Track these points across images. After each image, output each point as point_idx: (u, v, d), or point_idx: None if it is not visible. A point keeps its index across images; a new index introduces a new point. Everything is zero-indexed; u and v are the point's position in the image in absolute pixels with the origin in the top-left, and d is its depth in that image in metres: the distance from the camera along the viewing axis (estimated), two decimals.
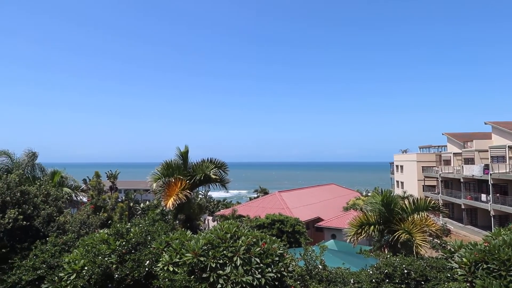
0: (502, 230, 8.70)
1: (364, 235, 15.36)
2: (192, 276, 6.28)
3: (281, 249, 6.98)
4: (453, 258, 8.00)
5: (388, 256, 9.15)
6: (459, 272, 7.13)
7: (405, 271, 7.87)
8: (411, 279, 7.77)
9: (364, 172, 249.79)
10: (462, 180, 40.28)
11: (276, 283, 6.45)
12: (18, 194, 11.30)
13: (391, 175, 65.34)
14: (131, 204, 45.08)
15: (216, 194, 67.48)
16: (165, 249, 7.32)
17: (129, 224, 9.06)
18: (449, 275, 7.58)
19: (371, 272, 8.32)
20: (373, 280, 7.99)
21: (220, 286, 6.00)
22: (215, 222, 38.99)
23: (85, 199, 22.96)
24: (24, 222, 10.75)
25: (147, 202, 50.52)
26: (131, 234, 8.01)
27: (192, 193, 17.92)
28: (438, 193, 46.81)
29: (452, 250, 8.70)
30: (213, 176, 17.29)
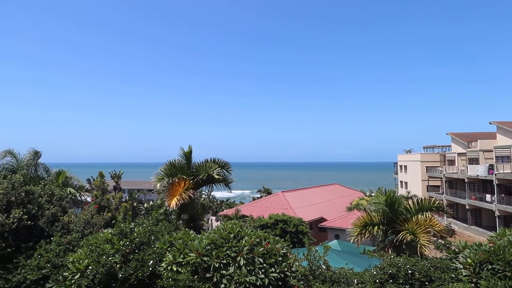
0: (507, 231, 8.64)
1: (368, 235, 15.31)
2: (196, 276, 6.29)
3: (284, 249, 6.98)
4: (457, 259, 7.96)
5: (392, 256, 9.11)
6: (463, 273, 7.09)
7: (409, 271, 7.84)
8: (415, 280, 7.73)
9: (366, 172, 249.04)
10: (466, 180, 40.05)
11: (280, 283, 6.45)
12: (23, 194, 11.38)
13: (394, 175, 65.11)
14: (135, 204, 45.19)
15: (220, 194, 67.53)
16: (168, 249, 7.34)
17: (132, 224, 9.09)
18: (453, 275, 7.54)
19: (374, 272, 8.29)
20: (377, 281, 7.96)
21: (224, 286, 6.01)
22: (219, 222, 39.04)
23: (89, 199, 23.06)
24: (29, 222, 10.82)
25: (151, 202, 50.62)
26: (135, 234, 8.04)
27: (195, 193, 17.95)
28: (442, 193, 46.57)
29: (457, 250, 8.66)
30: (217, 176, 17.31)
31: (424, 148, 59.09)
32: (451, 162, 47.26)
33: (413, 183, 53.92)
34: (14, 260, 9.75)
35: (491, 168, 36.14)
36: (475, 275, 6.83)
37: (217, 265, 6.21)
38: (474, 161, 41.55)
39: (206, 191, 60.01)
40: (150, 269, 7.17)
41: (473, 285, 6.76)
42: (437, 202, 15.80)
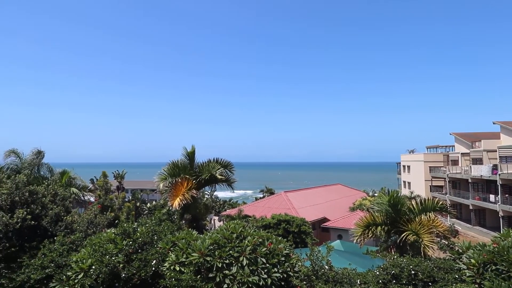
0: (511, 231, 8.60)
1: (371, 235, 15.27)
2: (199, 276, 6.30)
3: (287, 249, 6.98)
4: (461, 259, 7.93)
5: (395, 257, 9.09)
6: (467, 273, 7.06)
7: (412, 272, 7.81)
8: (419, 280, 7.71)
9: (369, 172, 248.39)
10: (470, 181, 39.87)
11: (282, 283, 6.45)
12: (27, 194, 11.44)
13: (397, 175, 64.91)
14: (138, 204, 45.36)
15: (222, 194, 67.61)
16: (171, 248, 7.36)
17: (136, 223, 9.12)
18: (457, 276, 7.51)
19: (377, 273, 8.27)
20: (380, 281, 7.94)
21: (226, 286, 6.02)
22: (221, 222, 39.07)
23: (92, 199, 23.15)
24: (33, 222, 10.88)
25: (154, 202, 50.79)
26: (138, 234, 8.06)
27: (198, 193, 17.98)
28: (446, 193, 46.38)
29: (460, 251, 8.62)
30: (219, 176, 17.33)
31: (427, 148, 58.87)
32: (455, 162, 47.05)
33: (416, 183, 53.73)
34: (18, 260, 9.82)
35: (495, 168, 35.94)
36: (478, 276, 6.80)
37: (219, 265, 6.22)
38: (477, 161, 41.35)
39: (209, 191, 60.21)
40: (153, 269, 7.18)
41: (476, 285, 6.73)
42: (440, 202, 15.74)
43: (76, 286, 6.75)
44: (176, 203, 15.96)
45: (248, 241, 6.67)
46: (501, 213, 34.54)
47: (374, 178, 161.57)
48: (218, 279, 6.10)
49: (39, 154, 18.67)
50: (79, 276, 6.84)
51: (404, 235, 14.03)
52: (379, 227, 15.03)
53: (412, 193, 47.18)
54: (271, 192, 64.38)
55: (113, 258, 7.21)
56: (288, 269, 6.59)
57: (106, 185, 26.25)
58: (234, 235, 6.90)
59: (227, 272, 6.18)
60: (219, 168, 17.39)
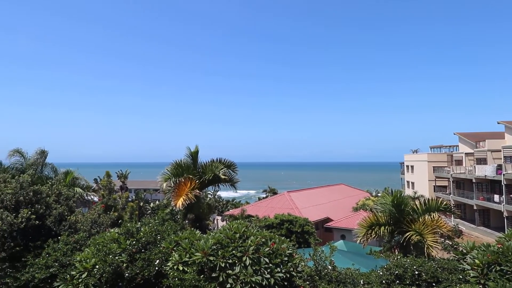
0: None
1: (374, 236, 15.24)
2: (202, 276, 6.31)
3: (290, 249, 6.97)
4: (465, 260, 7.89)
5: (399, 257, 9.05)
6: (471, 274, 7.03)
7: (416, 272, 7.78)
8: (422, 281, 7.68)
9: (372, 172, 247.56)
10: (474, 181, 39.67)
11: (285, 283, 6.44)
12: (31, 193, 11.51)
13: (401, 175, 64.70)
14: (141, 203, 45.47)
15: (225, 194, 67.68)
16: (174, 248, 7.38)
17: (139, 223, 9.15)
18: (461, 276, 7.48)
19: (381, 273, 8.25)
20: (383, 281, 7.92)
21: (230, 286, 6.02)
22: (224, 222, 39.12)
23: (96, 199, 23.25)
24: (37, 221, 10.94)
25: (157, 202, 50.90)
26: (141, 234, 8.09)
27: (201, 193, 18.01)
28: (450, 193, 46.17)
29: (464, 251, 8.59)
30: (223, 176, 17.35)
31: (431, 148, 58.64)
32: (459, 162, 46.83)
33: (420, 183, 53.52)
34: (23, 259, 9.87)
35: (499, 168, 35.74)
36: (483, 276, 6.77)
37: (223, 265, 6.23)
38: (482, 161, 41.13)
39: (212, 191, 60.28)
40: (156, 268, 7.21)
41: (481, 286, 6.70)
42: (444, 202, 15.67)
43: (80, 285, 6.78)
44: (180, 203, 16.00)
45: (251, 241, 6.67)
46: (505, 214, 34.33)
47: (377, 178, 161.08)
48: (221, 279, 6.11)
49: (43, 154, 18.76)
50: (83, 276, 6.88)
51: (408, 235, 13.98)
52: (383, 227, 14.99)
53: (415, 193, 47.02)
54: (274, 192, 64.33)
55: (117, 257, 7.24)
56: (291, 269, 6.59)
57: (109, 185, 26.39)
58: (237, 235, 6.90)
59: (230, 272, 6.19)
60: (222, 168, 17.41)
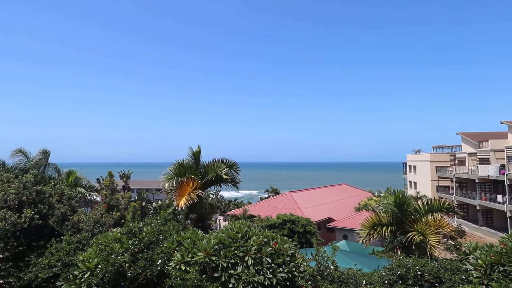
0: None
1: (377, 236, 15.20)
2: (204, 275, 6.32)
3: (292, 249, 6.97)
4: (468, 260, 7.86)
5: (401, 257, 9.03)
6: (474, 274, 7.00)
7: (419, 272, 7.76)
8: (425, 281, 7.66)
9: (374, 172, 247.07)
10: (477, 181, 39.51)
11: (288, 283, 6.45)
12: (34, 193, 11.55)
13: (403, 175, 64.52)
14: (144, 203, 45.58)
15: (227, 193, 67.73)
16: (177, 248, 7.39)
17: (141, 223, 9.17)
18: (464, 277, 7.45)
19: (383, 273, 8.23)
20: (386, 282, 7.90)
21: (232, 286, 6.03)
22: (226, 222, 39.13)
23: (98, 199, 23.29)
24: (40, 221, 10.98)
25: (159, 202, 51.00)
26: (144, 233, 8.11)
27: (203, 193, 18.02)
28: (452, 193, 46.01)
29: (467, 252, 8.55)
30: (225, 176, 17.37)
31: (433, 148, 58.42)
32: (461, 162, 46.65)
33: (422, 184, 53.35)
34: (26, 259, 9.92)
35: (502, 168, 35.57)
36: (486, 277, 6.74)
37: (225, 265, 6.23)
38: (485, 161, 40.96)
39: (214, 191, 60.35)
40: (159, 268, 7.22)
41: (484, 287, 6.67)
42: (447, 202, 15.61)
43: (83, 285, 6.81)
44: (182, 202, 16.02)
45: (253, 241, 6.68)
46: (508, 214, 34.18)
47: (379, 178, 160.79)
48: (223, 279, 6.12)
49: (45, 153, 18.82)
50: (86, 275, 6.90)
51: (410, 236, 13.94)
52: (385, 227, 14.95)
53: (418, 193, 46.85)
54: (276, 192, 64.33)
55: (119, 257, 7.26)
56: (294, 269, 6.59)
57: (112, 185, 26.45)
58: (239, 235, 6.91)
59: (232, 271, 6.19)
60: (224, 168, 17.43)
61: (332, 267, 8.33)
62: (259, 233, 7.15)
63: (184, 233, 8.12)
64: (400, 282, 7.82)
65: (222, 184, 18.51)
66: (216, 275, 6.23)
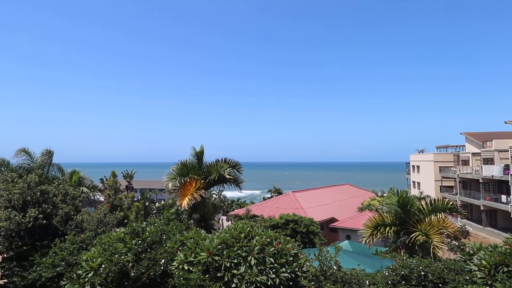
0: None
1: (380, 236, 15.16)
2: (207, 275, 6.33)
3: (295, 249, 6.97)
4: (472, 261, 7.83)
5: (405, 257, 9.01)
6: (478, 275, 6.97)
7: (422, 273, 7.74)
8: (428, 281, 7.63)
9: (377, 172, 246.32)
10: (481, 181, 39.32)
11: (291, 283, 6.44)
12: (38, 193, 11.62)
13: (407, 175, 64.31)
14: (147, 203, 45.71)
15: (230, 193, 67.74)
16: (180, 248, 7.41)
17: (144, 223, 9.20)
18: (468, 277, 7.42)
19: (387, 273, 8.21)
20: (389, 282, 7.89)
21: (235, 286, 6.03)
22: (229, 222, 39.16)
23: (102, 198, 23.38)
24: (44, 221, 11.04)
25: (162, 202, 51.12)
26: (147, 233, 8.13)
27: (206, 193, 18.04)
28: (456, 194, 45.80)
29: (471, 252, 8.53)
30: (228, 176, 17.37)
31: (437, 148, 58.19)
32: (465, 162, 46.43)
33: (426, 184, 53.16)
34: (30, 258, 9.97)
35: (506, 168, 35.39)
36: (490, 278, 6.71)
37: (228, 265, 6.24)
38: (489, 161, 40.75)
39: (217, 191, 60.41)
40: (162, 268, 7.24)
41: (488, 287, 6.64)
42: (450, 203, 15.55)
43: (86, 284, 6.84)
44: (185, 202, 16.04)
45: (256, 241, 6.68)
46: None
47: (382, 178, 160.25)
48: (226, 279, 6.12)
49: (49, 154, 18.91)
50: (89, 275, 6.93)
51: (414, 236, 13.89)
52: (388, 227, 14.91)
53: (421, 193, 46.72)
54: (279, 192, 64.31)
55: (123, 257, 7.29)
56: (296, 269, 6.58)
57: (115, 184, 26.55)
58: (242, 235, 6.91)
59: (235, 271, 6.20)
60: (227, 168, 17.43)
61: (335, 267, 8.32)
62: (262, 233, 7.15)
63: (187, 233, 8.13)
64: (403, 282, 7.80)
65: (225, 184, 18.51)
66: (219, 275, 6.24)
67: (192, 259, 6.61)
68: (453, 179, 47.65)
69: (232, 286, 6.04)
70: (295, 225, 25.66)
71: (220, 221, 49.92)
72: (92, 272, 6.97)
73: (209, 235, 7.57)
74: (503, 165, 36.41)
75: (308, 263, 7.44)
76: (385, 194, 48.48)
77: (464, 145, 50.91)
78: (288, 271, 6.40)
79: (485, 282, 6.74)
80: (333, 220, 37.64)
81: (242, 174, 18.68)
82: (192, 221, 17.42)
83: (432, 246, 13.37)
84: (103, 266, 7.02)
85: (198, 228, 9.01)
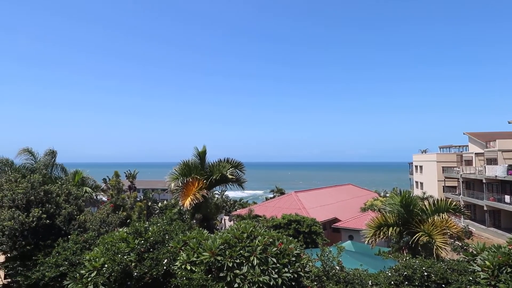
0: None
1: (383, 236, 15.12)
2: (209, 275, 6.34)
3: (297, 250, 6.96)
4: (475, 261, 7.80)
5: (408, 258, 8.98)
6: (481, 276, 6.95)
7: (425, 273, 7.71)
8: (431, 282, 7.61)
9: (380, 173, 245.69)
10: (484, 181, 39.16)
11: (293, 283, 6.44)
12: (42, 193, 11.67)
13: (409, 175, 64.14)
14: (149, 203, 45.82)
15: (233, 193, 67.81)
16: (182, 248, 7.42)
17: (147, 223, 9.22)
18: (471, 278, 7.39)
19: (389, 274, 8.19)
20: (392, 282, 7.87)
21: (237, 286, 6.04)
22: (232, 222, 39.19)
23: (105, 198, 23.45)
24: (47, 221, 11.09)
25: (165, 202, 51.23)
26: (150, 233, 8.15)
27: (209, 193, 18.06)
28: (459, 194, 45.64)
29: (474, 252, 8.49)
30: (230, 176, 17.38)
31: (440, 148, 58.00)
32: (468, 162, 46.26)
33: (429, 184, 53.00)
34: (33, 258, 10.02)
35: (510, 168, 35.22)
36: (493, 278, 6.68)
37: (230, 265, 6.24)
38: (492, 161, 40.59)
39: (219, 191, 60.45)
40: (165, 267, 7.26)
41: None
42: (454, 203, 15.50)
43: (89, 284, 6.86)
44: (187, 202, 16.07)
45: (258, 241, 6.68)
46: None
47: (385, 178, 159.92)
48: (228, 279, 6.13)
49: (52, 154, 18.99)
50: (92, 275, 6.95)
51: (417, 236, 13.86)
52: (391, 228, 14.88)
53: (424, 193, 46.56)
54: (281, 192, 64.23)
55: (125, 257, 7.31)
56: (299, 269, 6.58)
57: (118, 184, 26.59)
58: (245, 235, 6.92)
59: (237, 271, 6.20)
60: (229, 168, 17.44)
61: (337, 267, 8.31)
62: (265, 233, 7.15)
63: (190, 233, 8.14)
64: (406, 283, 7.77)
65: (227, 184, 18.53)
66: (221, 275, 6.24)
67: (194, 259, 6.62)
68: (456, 179, 47.49)
69: (235, 286, 6.04)
70: (297, 225, 25.64)
71: (223, 221, 49.96)
72: (95, 272, 6.99)
73: (212, 235, 7.58)
74: (506, 165, 36.24)
75: (310, 263, 7.43)
76: (387, 194, 48.41)
77: (467, 145, 50.73)
78: (291, 271, 6.40)
79: (488, 283, 6.72)
80: (335, 220, 37.59)
81: (245, 174, 18.70)
82: (194, 221, 17.45)
83: (435, 247, 13.33)
84: (106, 265, 7.04)
85: (200, 228, 9.02)
